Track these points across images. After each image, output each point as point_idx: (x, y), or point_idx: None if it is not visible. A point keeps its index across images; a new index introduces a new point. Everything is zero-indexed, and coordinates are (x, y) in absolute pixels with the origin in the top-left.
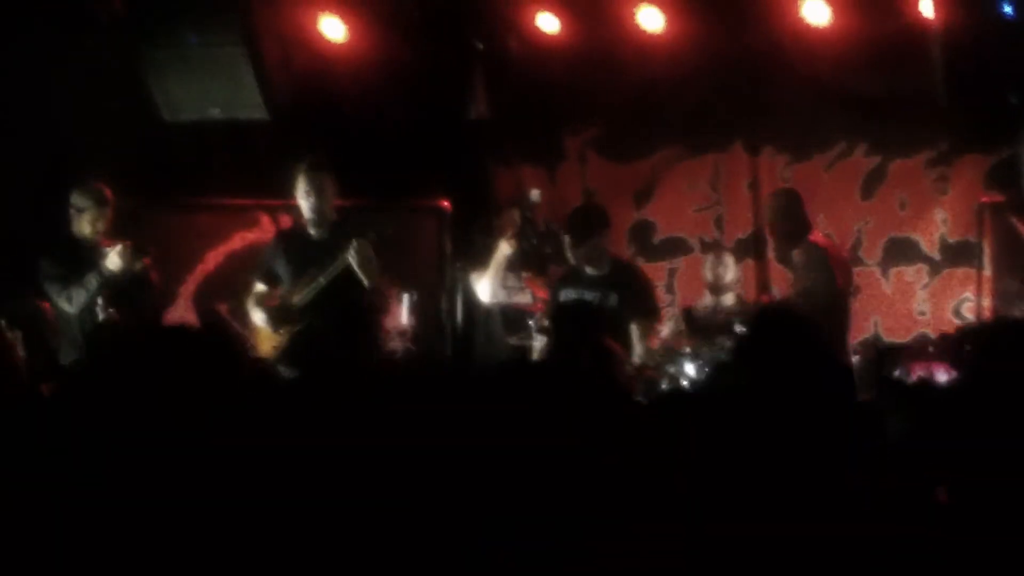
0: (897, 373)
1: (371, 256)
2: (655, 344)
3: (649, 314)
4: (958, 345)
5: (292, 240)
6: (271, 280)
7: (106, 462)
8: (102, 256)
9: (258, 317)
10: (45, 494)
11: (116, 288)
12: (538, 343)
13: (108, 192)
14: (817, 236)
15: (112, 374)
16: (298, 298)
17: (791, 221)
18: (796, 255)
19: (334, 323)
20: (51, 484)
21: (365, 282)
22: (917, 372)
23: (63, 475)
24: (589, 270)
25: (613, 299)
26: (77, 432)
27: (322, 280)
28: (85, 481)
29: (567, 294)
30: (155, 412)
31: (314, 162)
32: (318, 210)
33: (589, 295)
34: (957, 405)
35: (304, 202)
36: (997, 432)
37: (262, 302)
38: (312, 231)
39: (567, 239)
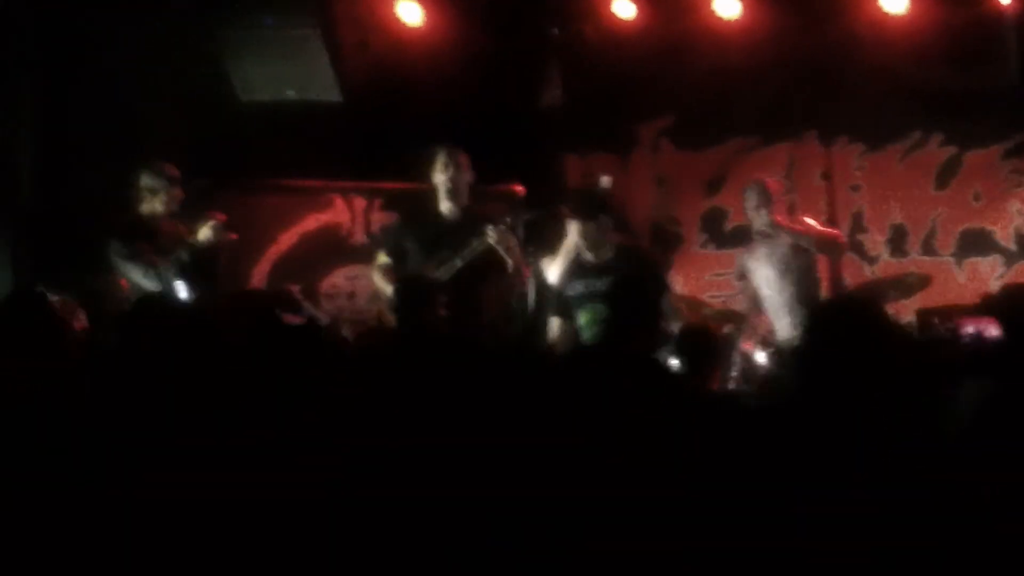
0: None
1: (512, 238)
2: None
3: (662, 292)
4: (1004, 302)
5: (422, 217)
6: (398, 257)
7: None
8: (188, 231)
9: (386, 292)
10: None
11: (196, 263)
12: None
13: (173, 170)
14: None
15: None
16: (437, 274)
17: None
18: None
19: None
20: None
21: (508, 264)
22: (967, 328)
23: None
24: (592, 258)
25: (622, 281)
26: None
27: (458, 262)
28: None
29: (575, 287)
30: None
31: (453, 148)
32: (456, 186)
33: (599, 284)
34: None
35: (443, 177)
36: None
37: (391, 275)
38: (445, 211)
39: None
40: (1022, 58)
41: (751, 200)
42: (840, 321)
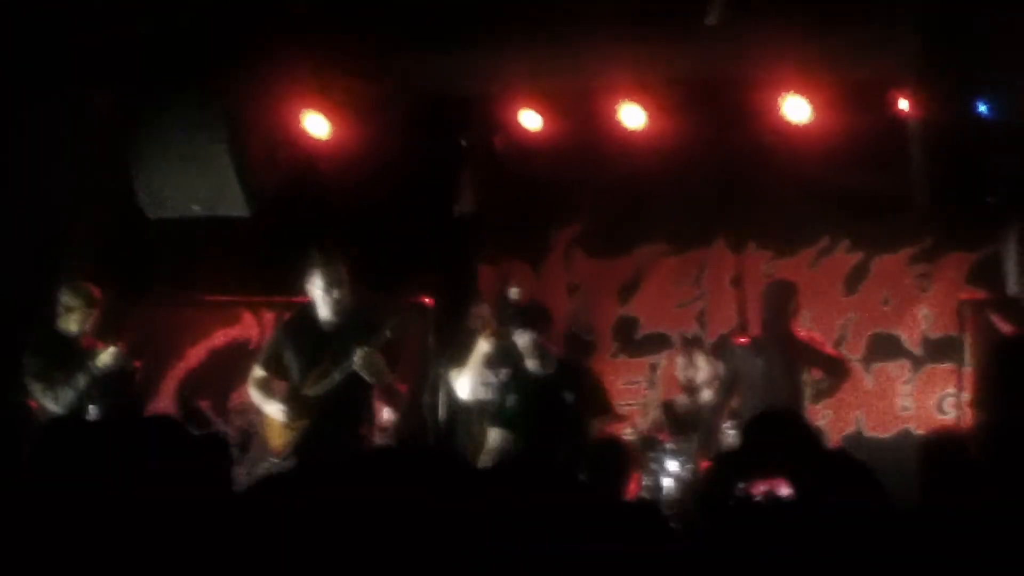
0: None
1: (377, 362)
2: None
3: (606, 412)
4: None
5: (302, 330)
6: (277, 369)
7: None
8: (91, 356)
9: (272, 408)
10: None
11: (102, 386)
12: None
13: (96, 292)
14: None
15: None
16: (312, 391)
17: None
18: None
19: (342, 419)
20: None
21: (373, 385)
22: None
23: None
24: (535, 369)
25: (569, 397)
26: None
27: (337, 376)
28: None
29: (512, 400)
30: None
31: (330, 254)
32: (332, 300)
33: (539, 400)
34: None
35: (322, 294)
36: None
37: (269, 389)
38: (324, 320)
39: (514, 327)
40: (925, 164)
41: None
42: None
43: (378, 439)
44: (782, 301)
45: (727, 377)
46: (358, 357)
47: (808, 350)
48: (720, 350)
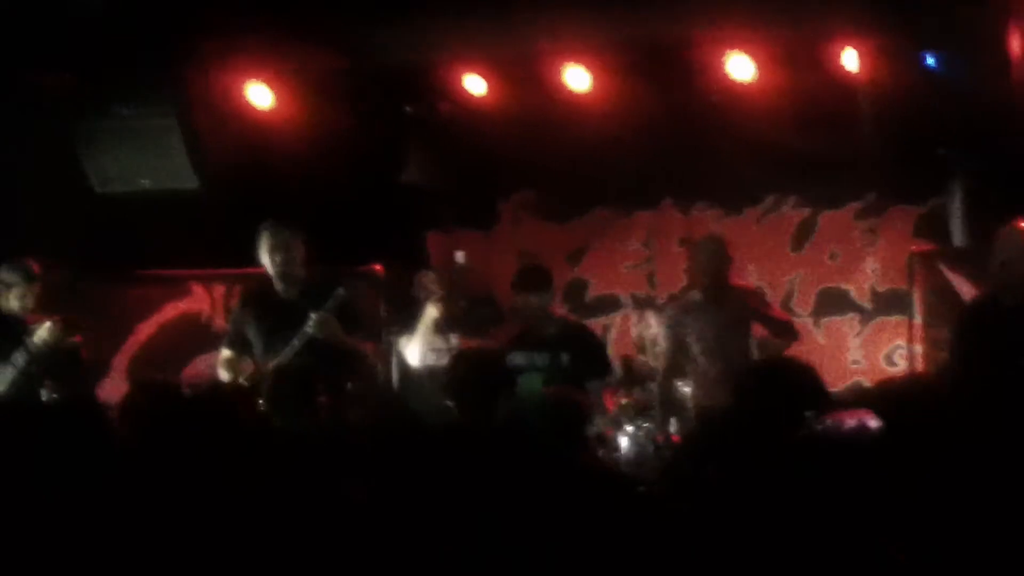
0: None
1: (332, 325)
2: (611, 405)
3: (604, 373)
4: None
5: (260, 302)
6: (241, 346)
7: None
8: (30, 333)
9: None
10: None
11: (46, 364)
12: None
13: (36, 268)
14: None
15: None
16: (275, 363)
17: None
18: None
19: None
20: None
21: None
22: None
23: None
24: (537, 331)
25: (565, 359)
26: None
27: (296, 343)
28: None
29: (515, 359)
30: None
31: (276, 222)
32: (285, 268)
33: (539, 358)
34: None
35: (269, 260)
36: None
37: (236, 370)
38: (280, 291)
39: (516, 293)
40: (872, 120)
41: (706, 256)
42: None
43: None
44: (716, 255)
45: (675, 336)
46: (313, 321)
47: (752, 309)
48: (668, 310)
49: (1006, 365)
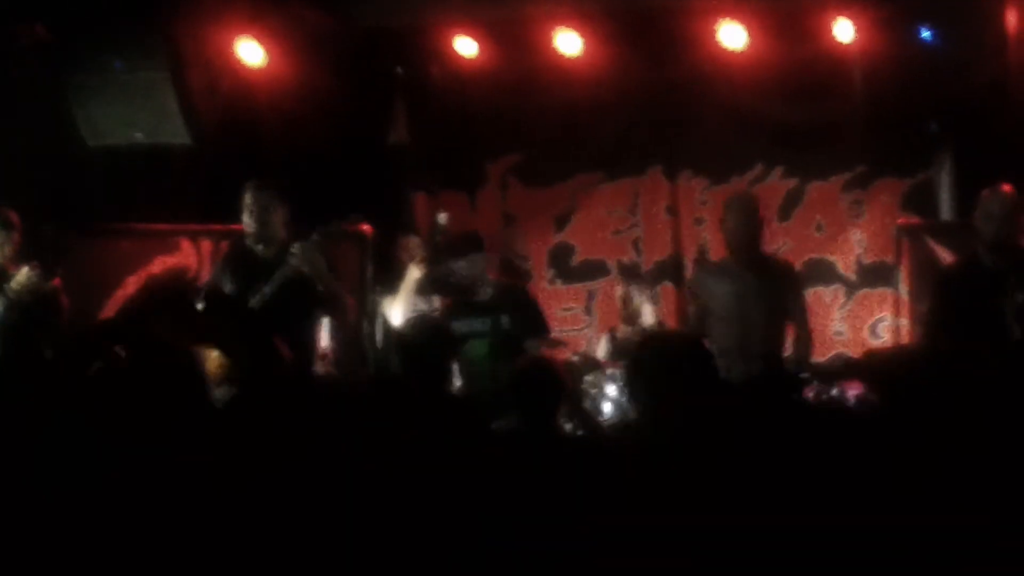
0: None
1: (317, 257)
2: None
3: (542, 331)
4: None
5: (238, 258)
6: (216, 300)
7: None
8: (6, 279)
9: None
10: None
11: (25, 312)
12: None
13: (14, 216)
14: None
15: None
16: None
17: None
18: None
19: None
20: None
21: (317, 285)
22: (852, 392)
23: None
24: (473, 296)
25: (505, 321)
26: None
27: (267, 291)
28: None
29: (457, 327)
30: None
31: (261, 181)
32: (262, 228)
33: (479, 323)
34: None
35: (248, 219)
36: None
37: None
38: (258, 251)
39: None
40: (864, 92)
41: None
42: None
43: (318, 367)
44: (745, 217)
45: (695, 299)
46: (296, 251)
47: (786, 290)
48: (696, 271)
49: (987, 327)
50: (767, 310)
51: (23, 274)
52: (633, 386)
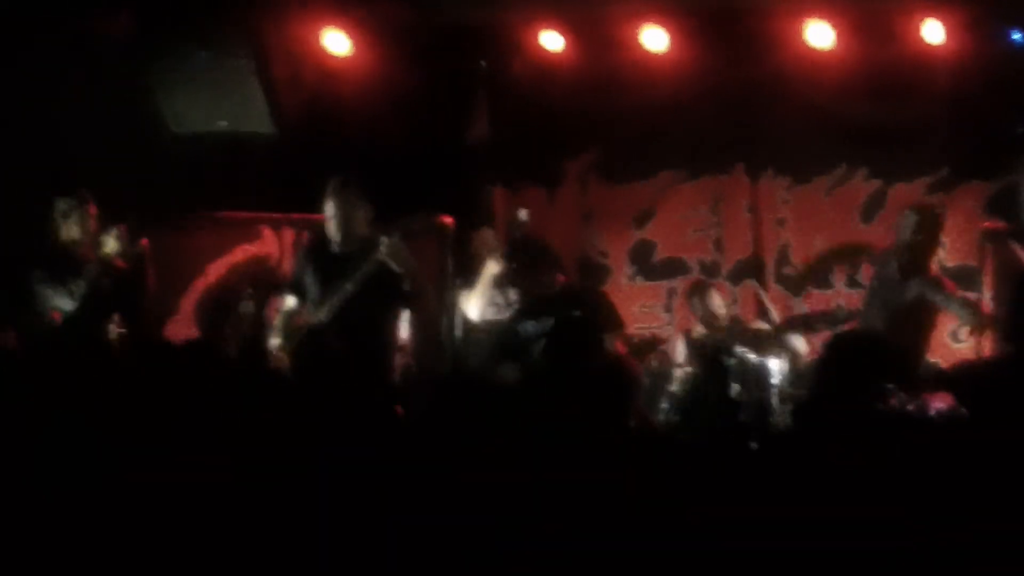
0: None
1: (402, 250)
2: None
3: (616, 326)
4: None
5: (319, 253)
6: (301, 293)
7: None
8: (98, 246)
9: (273, 343)
10: None
11: (112, 291)
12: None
13: (83, 192)
14: None
15: None
16: (323, 313)
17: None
18: None
19: (360, 334)
20: None
21: (401, 275)
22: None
23: None
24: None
25: (575, 320)
26: None
27: (349, 287)
28: None
29: (525, 328)
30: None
31: (344, 179)
32: (345, 224)
33: (549, 323)
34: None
35: (331, 216)
36: None
37: (290, 324)
38: (337, 243)
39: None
40: (951, 94)
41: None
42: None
43: (397, 360)
44: (916, 229)
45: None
46: (384, 245)
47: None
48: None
49: None
50: (915, 329)
51: (113, 236)
52: (825, 381)
